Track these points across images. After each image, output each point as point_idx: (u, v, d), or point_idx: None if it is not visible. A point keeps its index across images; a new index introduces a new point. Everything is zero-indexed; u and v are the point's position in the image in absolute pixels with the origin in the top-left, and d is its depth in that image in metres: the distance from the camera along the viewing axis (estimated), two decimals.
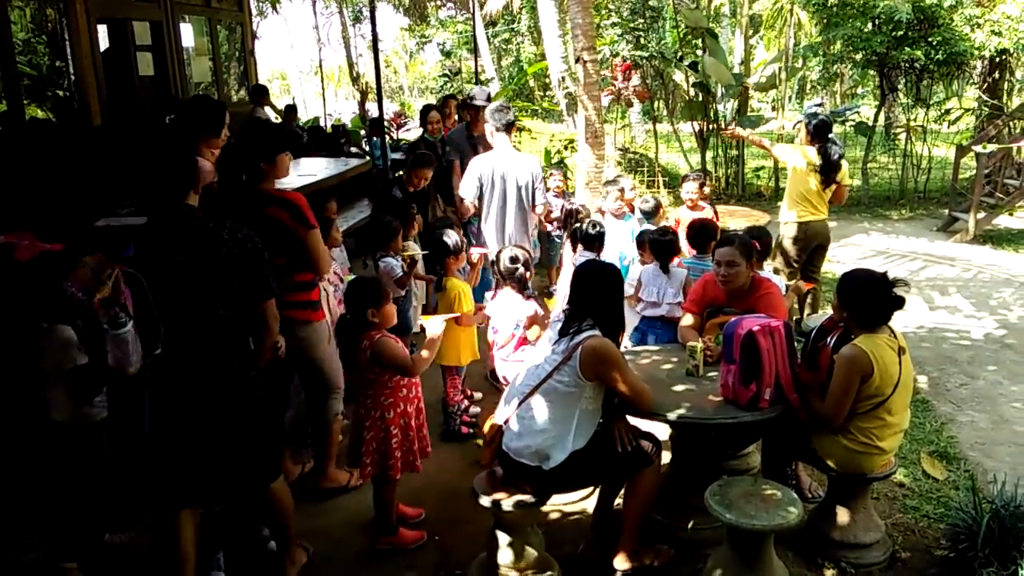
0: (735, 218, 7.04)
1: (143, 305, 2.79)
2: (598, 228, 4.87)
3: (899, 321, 4.97)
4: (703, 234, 4.68)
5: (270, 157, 3.46)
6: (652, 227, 5.26)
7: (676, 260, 4.61)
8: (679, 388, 3.35)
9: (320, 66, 23.53)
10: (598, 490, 3.53)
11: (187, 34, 8.26)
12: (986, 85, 11.90)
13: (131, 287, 2.87)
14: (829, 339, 3.34)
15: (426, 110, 6.91)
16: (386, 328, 3.35)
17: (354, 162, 7.26)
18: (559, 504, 3.71)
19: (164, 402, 2.81)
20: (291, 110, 10.67)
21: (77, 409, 3.05)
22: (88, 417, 3.08)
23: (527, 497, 2.99)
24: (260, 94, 10.33)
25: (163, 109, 6.58)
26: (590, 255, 4.72)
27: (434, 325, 3.40)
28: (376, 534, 3.46)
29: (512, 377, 3.54)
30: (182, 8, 7.93)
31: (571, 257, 5.00)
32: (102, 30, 7.08)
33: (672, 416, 3.13)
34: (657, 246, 4.49)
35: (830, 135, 5.72)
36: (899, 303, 3.13)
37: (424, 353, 3.33)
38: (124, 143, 6.12)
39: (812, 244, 5.84)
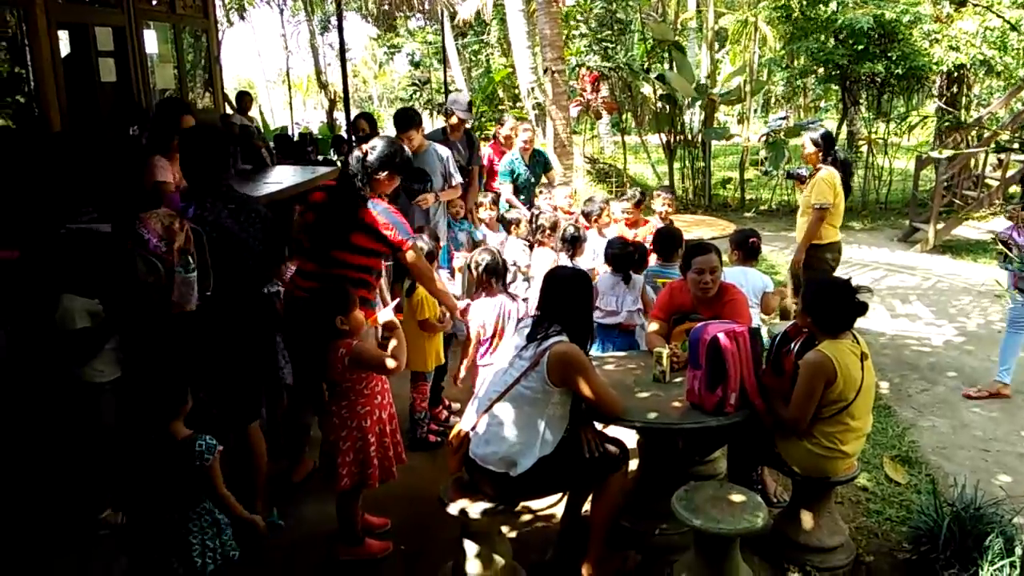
0: (701, 227, 7.11)
1: (200, 256, 3.32)
2: (580, 231, 4.92)
3: (861, 328, 5.06)
4: (669, 242, 4.72)
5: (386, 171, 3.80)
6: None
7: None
8: (646, 394, 3.36)
9: (288, 75, 23.39)
10: (566, 497, 3.52)
11: (151, 40, 8.13)
12: (945, 99, 12.19)
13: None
14: (793, 345, 3.38)
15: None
16: (358, 335, 3.32)
17: (322, 170, 7.20)
18: (527, 511, 3.70)
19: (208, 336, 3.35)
20: (243, 96, 10.59)
21: (78, 369, 3.34)
22: (90, 376, 3.35)
23: (494, 504, 2.97)
24: (242, 101, 10.29)
25: (125, 116, 6.49)
26: (567, 260, 4.76)
27: (385, 315, 3.36)
28: (341, 545, 3.42)
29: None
30: (146, 14, 7.81)
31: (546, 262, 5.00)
32: (63, 35, 6.96)
33: (639, 422, 3.14)
34: (617, 260, 4.52)
35: (835, 146, 5.67)
36: (862, 309, 3.18)
37: (393, 343, 3.24)
38: (85, 149, 6.01)
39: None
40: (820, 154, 5.50)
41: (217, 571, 2.71)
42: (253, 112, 11.27)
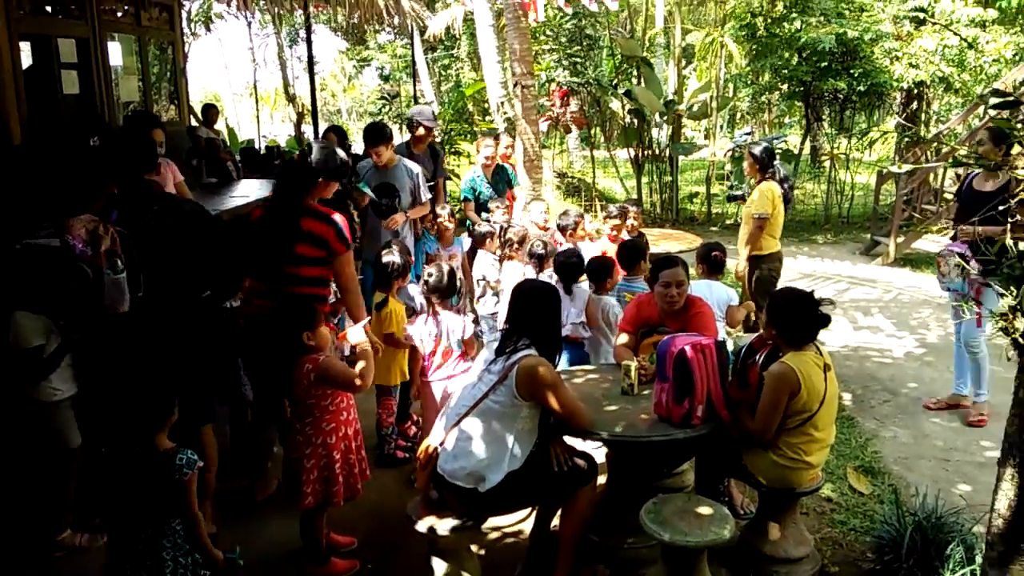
0: (669, 241, 7.18)
1: (128, 257, 3.38)
2: (547, 247, 4.93)
3: (824, 340, 5.13)
4: (633, 254, 4.76)
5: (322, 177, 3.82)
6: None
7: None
8: (614, 407, 3.38)
9: (255, 87, 23.22)
10: (534, 512, 3.51)
11: (115, 52, 8.04)
12: (905, 115, 12.48)
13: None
14: (758, 357, 3.42)
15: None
16: (324, 351, 3.29)
17: None
18: (496, 527, 3.68)
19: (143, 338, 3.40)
20: (209, 108, 10.51)
21: (32, 388, 3.29)
22: (45, 395, 3.30)
23: (463, 521, 2.95)
24: (207, 114, 10.18)
25: (87, 128, 6.39)
26: (532, 273, 4.77)
27: (355, 333, 3.31)
28: (307, 565, 3.37)
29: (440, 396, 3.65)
30: (110, 26, 7.73)
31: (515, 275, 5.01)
32: (25, 47, 6.85)
33: (607, 434, 3.15)
34: (561, 269, 4.54)
35: (775, 161, 5.80)
36: (825, 321, 3.23)
37: (361, 364, 3.21)
38: (45, 163, 5.90)
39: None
40: (759, 168, 5.68)
41: None
42: (220, 125, 11.16)
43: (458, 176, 11.44)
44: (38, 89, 6.73)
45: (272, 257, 3.66)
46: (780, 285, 5.47)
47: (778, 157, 5.95)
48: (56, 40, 7.15)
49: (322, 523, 3.37)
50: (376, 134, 5.42)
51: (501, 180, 6.70)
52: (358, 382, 3.18)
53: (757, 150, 5.74)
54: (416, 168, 5.60)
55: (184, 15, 13.41)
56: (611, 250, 5.28)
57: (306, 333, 3.22)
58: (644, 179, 12.74)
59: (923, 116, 12.55)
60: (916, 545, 3.14)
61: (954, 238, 4.83)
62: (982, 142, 4.89)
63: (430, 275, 4.09)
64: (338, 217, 3.74)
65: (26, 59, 6.87)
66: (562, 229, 5.62)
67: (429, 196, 5.72)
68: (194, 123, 9.89)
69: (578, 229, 5.62)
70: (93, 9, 7.19)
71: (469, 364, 3.96)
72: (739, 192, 6.19)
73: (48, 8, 6.95)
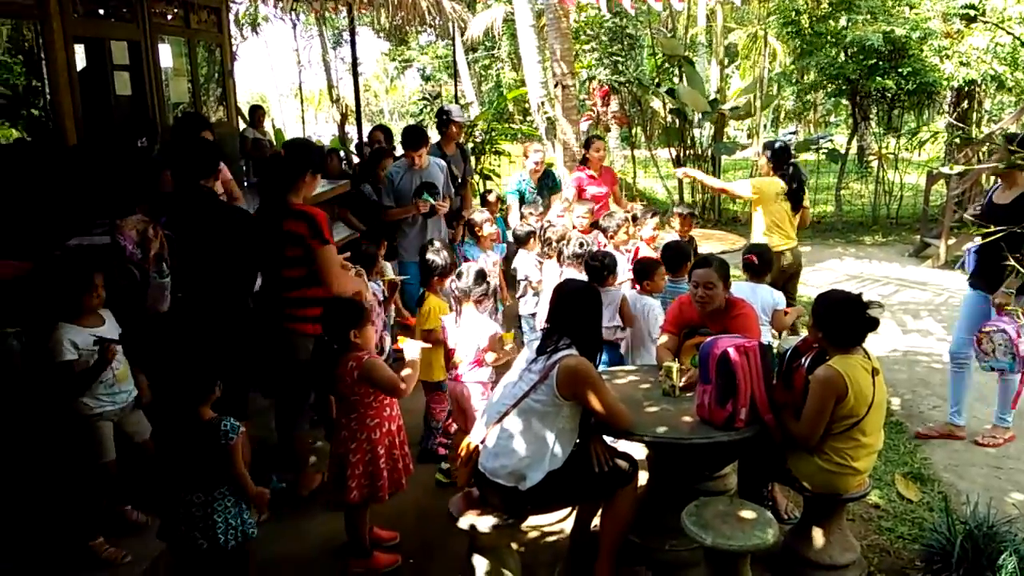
0: (711, 242, 7.10)
1: (172, 259, 3.50)
2: (585, 247, 4.90)
3: (872, 344, 5.01)
4: (677, 256, 4.72)
5: (302, 174, 3.76)
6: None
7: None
8: (655, 408, 3.35)
9: (300, 88, 23.57)
10: (575, 512, 3.50)
11: (165, 54, 8.22)
12: (956, 114, 12.17)
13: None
14: (804, 360, 3.36)
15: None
16: (367, 349, 3.33)
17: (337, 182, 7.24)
18: (537, 525, 3.68)
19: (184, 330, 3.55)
20: (256, 109, 10.73)
21: (72, 401, 3.29)
22: (81, 408, 3.29)
23: (503, 518, 2.96)
24: (255, 114, 10.41)
25: (136, 129, 6.54)
26: (575, 273, 4.73)
27: (411, 349, 3.38)
28: (349, 558, 3.41)
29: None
30: (161, 28, 7.90)
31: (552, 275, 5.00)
32: (79, 49, 7.04)
33: (648, 436, 3.13)
34: (590, 270, 4.51)
35: (791, 160, 5.75)
36: (873, 324, 3.17)
37: (407, 371, 3.30)
38: (99, 163, 6.07)
39: (789, 272, 5.80)
40: (773, 166, 5.66)
41: (237, 547, 2.88)
42: (267, 125, 11.39)
43: (498, 175, 11.47)
44: (92, 90, 6.91)
45: (271, 263, 3.71)
46: (830, 286, 5.37)
47: (795, 156, 5.89)
48: (109, 42, 7.35)
49: (366, 518, 3.40)
50: (418, 137, 5.53)
51: (546, 186, 6.82)
52: (402, 386, 3.24)
53: (776, 146, 5.70)
54: (443, 163, 5.79)
55: (231, 17, 13.66)
56: (645, 253, 5.25)
57: (353, 331, 3.25)
58: (685, 179, 12.62)
59: (974, 115, 12.22)
60: (967, 554, 3.06)
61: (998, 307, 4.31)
62: (996, 148, 4.75)
63: (458, 275, 4.10)
64: (315, 213, 3.71)
65: (80, 61, 7.07)
66: (603, 230, 5.59)
67: (452, 191, 5.91)
68: (241, 124, 10.08)
69: (620, 232, 5.56)
70: (144, 12, 7.35)
71: (488, 369, 3.99)
72: None
73: (101, 11, 7.13)
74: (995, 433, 4.62)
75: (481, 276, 4.05)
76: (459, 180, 6.26)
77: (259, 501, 2.97)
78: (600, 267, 4.47)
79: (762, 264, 4.67)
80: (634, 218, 5.91)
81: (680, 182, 12.54)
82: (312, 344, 3.51)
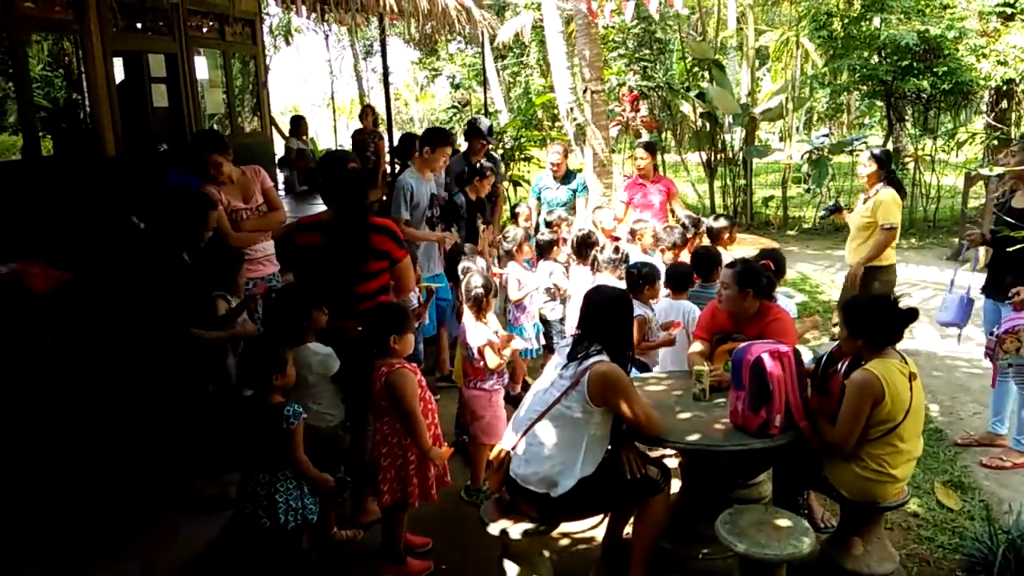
0: (743, 246, 7.03)
1: None
2: (622, 252, 4.89)
3: (910, 349, 4.91)
4: (707, 262, 4.68)
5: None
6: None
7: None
8: (687, 415, 3.33)
9: (332, 98, 23.80)
10: (607, 519, 3.49)
11: (201, 67, 8.38)
12: (994, 114, 11.92)
13: None
14: (840, 365, 3.32)
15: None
16: (403, 356, 3.34)
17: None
18: (568, 532, 3.67)
19: None
20: (299, 120, 10.95)
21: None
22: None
23: (535, 525, 2.96)
24: (298, 125, 10.57)
25: (171, 140, 6.67)
26: (610, 279, 4.73)
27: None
28: (383, 563, 3.43)
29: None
30: (197, 41, 8.06)
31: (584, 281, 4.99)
32: (118, 63, 7.21)
33: (681, 443, 3.11)
34: (628, 281, 4.49)
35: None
36: (912, 315, 3.12)
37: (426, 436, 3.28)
38: (138, 173, 6.20)
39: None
40: (880, 170, 5.34)
41: (296, 529, 3.04)
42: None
43: (527, 182, 11.48)
44: (130, 102, 7.07)
45: (344, 279, 3.65)
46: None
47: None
48: (147, 56, 7.51)
49: (403, 523, 3.41)
50: (445, 135, 5.57)
51: (567, 186, 6.78)
52: (421, 436, 3.22)
53: (878, 151, 5.46)
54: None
55: (265, 29, 13.87)
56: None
57: (394, 336, 3.25)
58: (716, 183, 12.53)
59: (1013, 115, 11.96)
60: (1009, 564, 3.00)
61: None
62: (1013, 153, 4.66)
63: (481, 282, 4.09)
64: (391, 224, 3.80)
65: (119, 74, 7.24)
66: (632, 232, 5.58)
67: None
68: (275, 134, 10.24)
69: (645, 236, 5.51)
70: (181, 25, 7.51)
71: (492, 377, 3.99)
72: (835, 205, 5.94)
73: (139, 25, 7.29)
74: (1006, 455, 4.35)
75: (479, 284, 4.01)
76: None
77: (321, 484, 3.09)
78: (638, 277, 4.45)
79: (778, 269, 4.57)
80: (694, 224, 5.78)
81: (711, 185, 12.44)
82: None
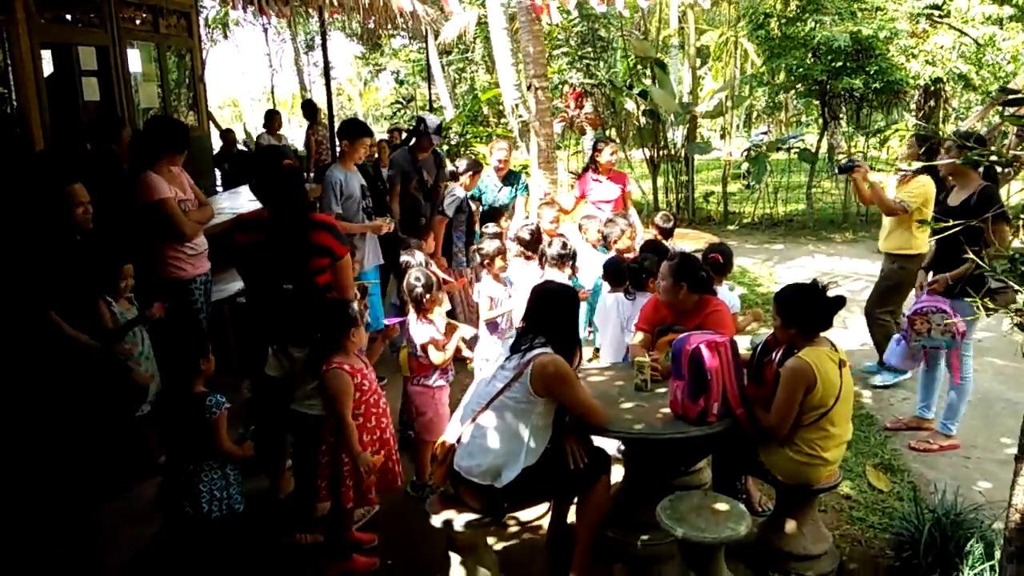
0: (686, 240, 7.18)
1: None
2: (569, 247, 4.92)
3: (843, 338, 5.06)
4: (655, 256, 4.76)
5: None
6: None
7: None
8: (629, 404, 3.38)
9: (272, 93, 23.40)
10: (551, 508, 3.53)
11: (135, 60, 8.17)
12: (922, 112, 12.39)
13: None
14: (774, 354, 3.42)
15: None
16: (359, 347, 3.31)
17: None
18: (513, 522, 3.70)
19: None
20: (273, 115, 10.73)
21: None
22: None
23: (479, 516, 2.98)
24: (271, 120, 10.31)
25: (106, 134, 6.48)
26: (557, 275, 4.76)
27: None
28: (328, 561, 3.40)
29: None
30: (130, 34, 7.85)
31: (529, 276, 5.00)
32: (46, 55, 6.97)
33: (623, 432, 3.16)
34: (631, 274, 4.56)
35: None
36: (840, 302, 3.25)
37: (351, 426, 3.15)
38: (68, 168, 6.00)
39: None
40: (922, 152, 5.06)
41: (222, 519, 3.11)
42: (239, 131, 11.35)
43: None
44: (60, 96, 6.84)
45: (286, 277, 3.55)
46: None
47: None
48: (77, 48, 7.28)
49: (349, 521, 3.37)
50: (365, 127, 5.55)
51: (510, 186, 6.63)
52: (348, 421, 3.12)
53: (921, 143, 5.19)
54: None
55: (201, 22, 13.56)
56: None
57: (349, 331, 3.20)
58: (660, 179, 12.73)
59: (941, 113, 12.45)
60: (935, 541, 3.12)
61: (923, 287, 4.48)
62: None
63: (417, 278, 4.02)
64: (332, 220, 3.77)
65: (48, 67, 7.00)
66: (606, 239, 5.51)
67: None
68: (212, 129, 10.00)
69: (623, 238, 5.43)
70: (113, 17, 7.30)
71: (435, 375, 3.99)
72: (851, 163, 5.45)
73: (68, 16, 7.06)
74: (933, 439, 4.52)
75: (419, 283, 3.95)
76: (429, 187, 6.16)
77: (245, 453, 3.21)
78: (639, 270, 4.50)
79: (726, 263, 4.68)
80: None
81: (654, 182, 12.63)
82: None
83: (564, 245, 5.02)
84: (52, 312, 3.64)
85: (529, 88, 9.02)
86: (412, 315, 3.99)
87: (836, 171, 6.79)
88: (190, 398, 3.10)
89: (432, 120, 6.22)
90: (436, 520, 2.99)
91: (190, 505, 3.06)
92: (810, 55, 11.26)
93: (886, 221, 5.41)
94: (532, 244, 5.23)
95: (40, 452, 3.75)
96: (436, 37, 16.11)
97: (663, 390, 3.44)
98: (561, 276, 4.82)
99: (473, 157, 6.08)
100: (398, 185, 5.95)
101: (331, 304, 3.37)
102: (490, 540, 3.36)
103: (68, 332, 3.66)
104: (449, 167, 6.67)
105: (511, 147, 6.93)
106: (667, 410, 3.27)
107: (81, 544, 3.54)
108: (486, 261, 4.92)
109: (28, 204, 4.28)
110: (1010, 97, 2.98)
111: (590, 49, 12.39)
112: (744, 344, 4.52)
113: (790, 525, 3.31)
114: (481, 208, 6.53)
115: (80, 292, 3.78)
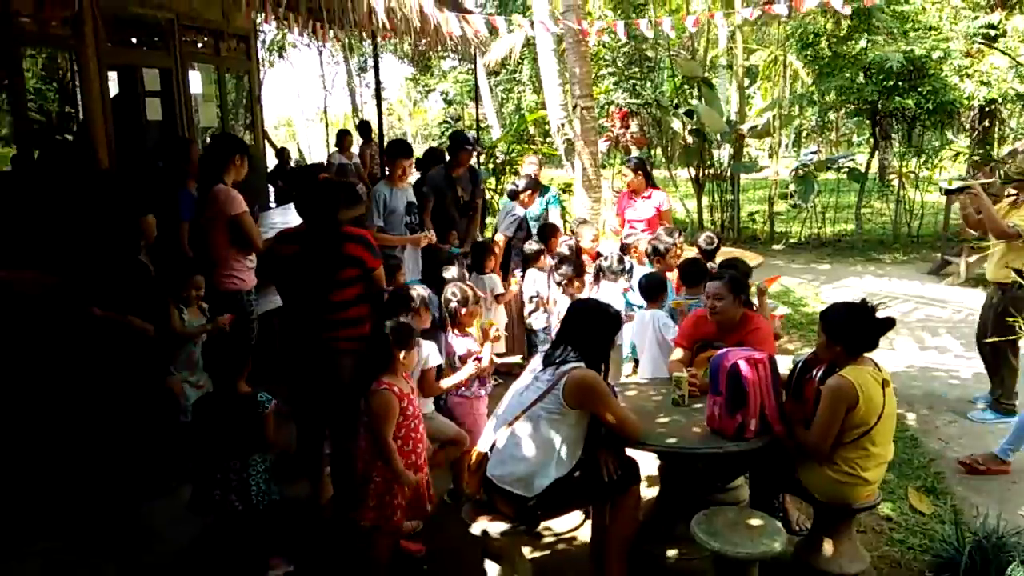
0: (728, 259, 7.14)
1: None
2: (627, 261, 5.01)
3: (890, 360, 5.00)
4: (695, 271, 4.79)
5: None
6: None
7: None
8: (666, 419, 3.42)
9: (325, 112, 23.95)
10: (591, 521, 3.56)
11: (195, 81, 8.50)
12: (977, 133, 12.12)
13: None
14: (815, 372, 3.42)
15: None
16: (408, 371, 3.36)
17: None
18: (550, 533, 3.75)
19: None
20: (344, 135, 10.99)
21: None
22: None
23: (512, 524, 3.04)
24: (342, 140, 10.55)
25: (167, 153, 6.77)
26: (613, 288, 4.89)
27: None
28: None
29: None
30: (192, 56, 8.18)
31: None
32: (112, 76, 7.31)
33: (659, 446, 3.20)
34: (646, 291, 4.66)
35: None
36: (889, 323, 3.23)
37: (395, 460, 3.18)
38: (131, 185, 6.28)
39: None
40: None
41: (265, 509, 3.28)
42: (292, 149, 11.67)
43: None
44: (124, 116, 7.16)
45: (318, 287, 3.67)
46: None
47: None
48: (141, 70, 7.62)
49: (390, 543, 3.34)
50: (404, 147, 5.71)
51: (541, 198, 6.76)
52: (393, 458, 3.14)
53: None
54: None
55: (259, 45, 14.02)
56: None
57: (402, 352, 3.24)
58: (705, 199, 12.69)
59: (996, 133, 12.17)
60: (975, 564, 3.08)
61: None
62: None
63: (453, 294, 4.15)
64: (367, 233, 3.90)
65: (113, 88, 7.35)
66: (655, 252, 5.39)
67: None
68: (267, 147, 10.30)
69: (672, 252, 5.35)
70: (175, 40, 7.63)
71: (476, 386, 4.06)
72: (957, 185, 5.21)
73: (134, 39, 7.40)
74: (982, 459, 4.40)
75: (454, 298, 4.04)
76: (463, 202, 6.27)
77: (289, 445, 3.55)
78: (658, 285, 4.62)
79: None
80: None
81: (699, 201, 12.58)
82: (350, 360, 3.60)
83: (620, 259, 5.11)
84: (96, 308, 3.91)
85: (575, 109, 9.12)
86: (449, 330, 4.09)
87: (943, 193, 6.44)
88: (238, 397, 3.27)
89: (461, 135, 6.43)
90: (474, 528, 3.05)
91: (239, 500, 3.19)
92: (861, 74, 11.14)
93: (996, 248, 5.07)
94: (572, 259, 5.30)
95: (82, 453, 3.96)
96: (484, 57, 16.37)
97: (700, 405, 3.47)
98: (617, 289, 4.91)
99: (533, 176, 6.20)
100: (430, 201, 6.07)
101: (394, 322, 3.33)
102: (526, 550, 3.41)
103: (116, 319, 3.91)
104: (509, 185, 6.79)
105: (540, 163, 7.05)
106: (704, 425, 3.30)
107: (130, 541, 3.71)
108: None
109: (99, 223, 4.55)
110: None
111: (637, 69, 12.47)
112: (786, 364, 4.52)
113: (827, 544, 3.29)
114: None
115: (148, 299, 3.97)
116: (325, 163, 9.91)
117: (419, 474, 3.30)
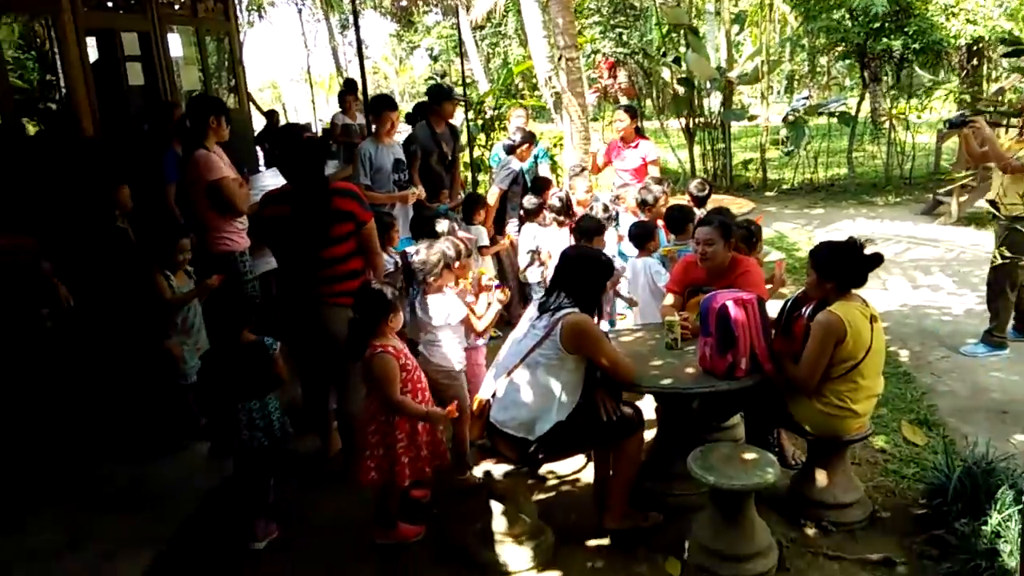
0: (721, 206, 7.15)
1: None
2: (611, 210, 5.03)
3: (882, 299, 5.04)
4: (681, 218, 4.81)
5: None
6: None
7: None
8: (659, 362, 3.47)
9: (308, 73, 23.64)
10: (593, 464, 3.63)
11: (175, 44, 8.36)
12: (966, 72, 12.07)
13: None
14: (804, 309, 3.46)
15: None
16: (396, 331, 3.36)
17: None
18: (551, 477, 3.83)
19: None
20: (272, 114, 10.83)
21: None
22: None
23: (515, 466, 3.10)
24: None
25: (152, 117, 6.70)
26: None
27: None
28: (376, 529, 3.43)
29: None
30: (169, 18, 8.04)
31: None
32: (91, 42, 7.19)
33: (653, 387, 3.25)
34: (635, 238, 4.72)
35: None
36: (878, 259, 3.27)
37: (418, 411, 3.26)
38: (115, 153, 6.23)
39: None
40: None
41: (285, 438, 3.52)
42: (280, 110, 11.52)
43: None
44: (106, 82, 7.06)
45: (310, 244, 3.67)
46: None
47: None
48: (120, 34, 7.49)
49: (396, 495, 3.40)
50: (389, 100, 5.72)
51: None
52: (396, 398, 3.20)
53: None
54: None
55: (237, 3, 13.77)
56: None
57: (388, 317, 3.26)
58: (696, 148, 12.63)
59: (985, 71, 12.11)
60: (965, 488, 3.16)
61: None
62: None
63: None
64: (355, 187, 3.89)
65: (93, 54, 7.23)
66: (642, 204, 5.40)
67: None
68: (252, 110, 10.16)
69: (660, 203, 5.35)
70: (152, 2, 7.49)
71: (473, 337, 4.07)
72: (962, 118, 5.21)
73: (110, 3, 7.26)
74: None
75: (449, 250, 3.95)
76: (449, 159, 6.25)
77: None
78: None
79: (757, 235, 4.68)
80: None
81: (691, 150, 12.53)
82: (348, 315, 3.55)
83: (606, 208, 5.11)
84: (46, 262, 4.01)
85: (559, 60, 9.03)
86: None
87: (946, 127, 6.25)
88: (245, 346, 3.41)
89: (439, 87, 6.39)
90: (477, 471, 3.13)
91: (265, 436, 3.40)
92: (847, 15, 11.03)
93: (999, 181, 5.05)
94: (563, 211, 5.31)
95: (87, 416, 4.02)
96: (468, 12, 16.12)
97: (693, 348, 3.51)
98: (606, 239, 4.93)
99: (528, 130, 6.17)
100: (418, 158, 6.02)
101: (370, 290, 3.36)
102: (530, 492, 3.48)
103: (53, 281, 4.03)
104: (505, 141, 6.74)
105: (528, 115, 7.00)
106: (697, 366, 3.35)
107: (142, 499, 3.79)
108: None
109: (80, 193, 4.54)
110: (1010, 49, 2.92)
111: (622, 18, 12.29)
112: (777, 306, 4.54)
113: (821, 475, 3.38)
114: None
115: (133, 267, 3.99)
116: (356, 125, 9.60)
117: (420, 439, 3.33)
